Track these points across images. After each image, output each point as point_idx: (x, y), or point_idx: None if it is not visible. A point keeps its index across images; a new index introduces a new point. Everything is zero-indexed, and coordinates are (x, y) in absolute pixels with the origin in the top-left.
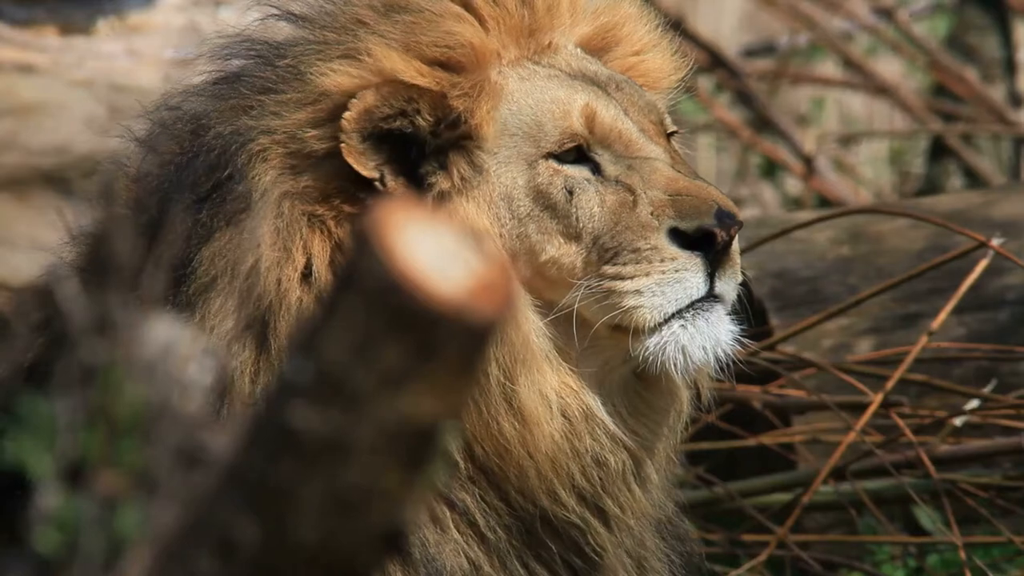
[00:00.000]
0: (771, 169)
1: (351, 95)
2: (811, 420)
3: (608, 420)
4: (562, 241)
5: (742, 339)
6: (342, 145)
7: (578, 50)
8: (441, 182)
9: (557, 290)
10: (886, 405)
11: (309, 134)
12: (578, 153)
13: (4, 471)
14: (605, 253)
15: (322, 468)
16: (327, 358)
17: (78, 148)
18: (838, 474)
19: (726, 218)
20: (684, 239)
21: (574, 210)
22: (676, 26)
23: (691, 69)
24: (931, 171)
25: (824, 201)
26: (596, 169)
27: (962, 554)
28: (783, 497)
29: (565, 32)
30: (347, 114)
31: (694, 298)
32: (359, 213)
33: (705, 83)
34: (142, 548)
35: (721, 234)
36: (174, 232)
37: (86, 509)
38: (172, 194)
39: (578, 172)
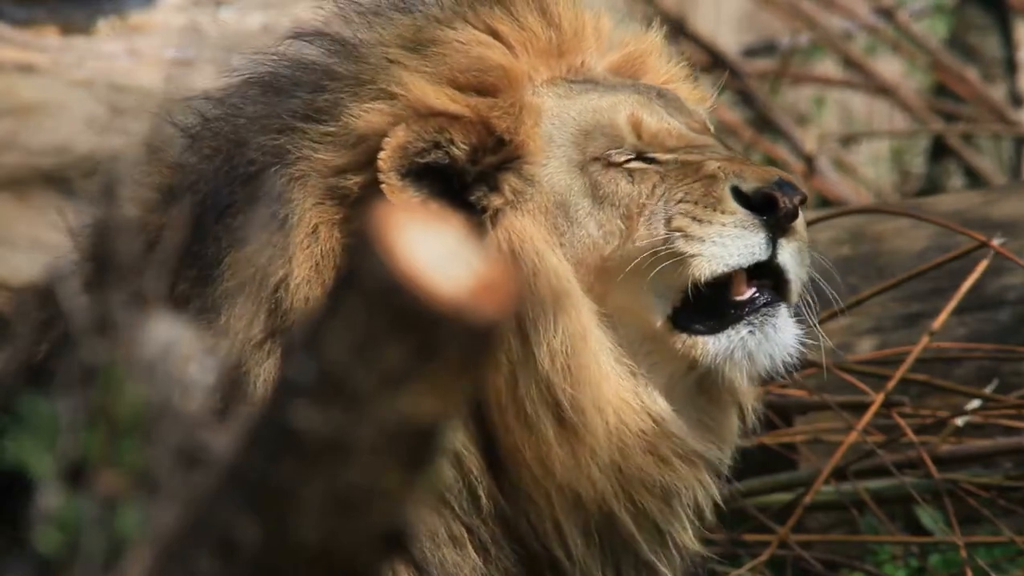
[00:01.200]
0: None
1: (385, 134)
2: (812, 420)
3: (683, 430)
4: (623, 226)
5: (805, 341)
6: (383, 186)
7: (605, 73)
8: (494, 201)
9: (624, 289)
10: (887, 405)
11: (350, 180)
12: (632, 157)
13: (5, 471)
14: (669, 207)
15: (323, 468)
16: (328, 358)
17: (78, 148)
18: (839, 474)
19: (788, 187)
20: (746, 200)
21: (635, 189)
22: (676, 26)
23: (713, 98)
24: (932, 171)
25: (825, 201)
26: (653, 161)
27: (963, 554)
28: (785, 497)
29: (593, 56)
30: (382, 154)
31: (756, 260)
32: None
33: (705, 83)
34: (143, 548)
35: (783, 200)
36: (204, 230)
37: (87, 509)
38: (209, 195)
39: (636, 164)
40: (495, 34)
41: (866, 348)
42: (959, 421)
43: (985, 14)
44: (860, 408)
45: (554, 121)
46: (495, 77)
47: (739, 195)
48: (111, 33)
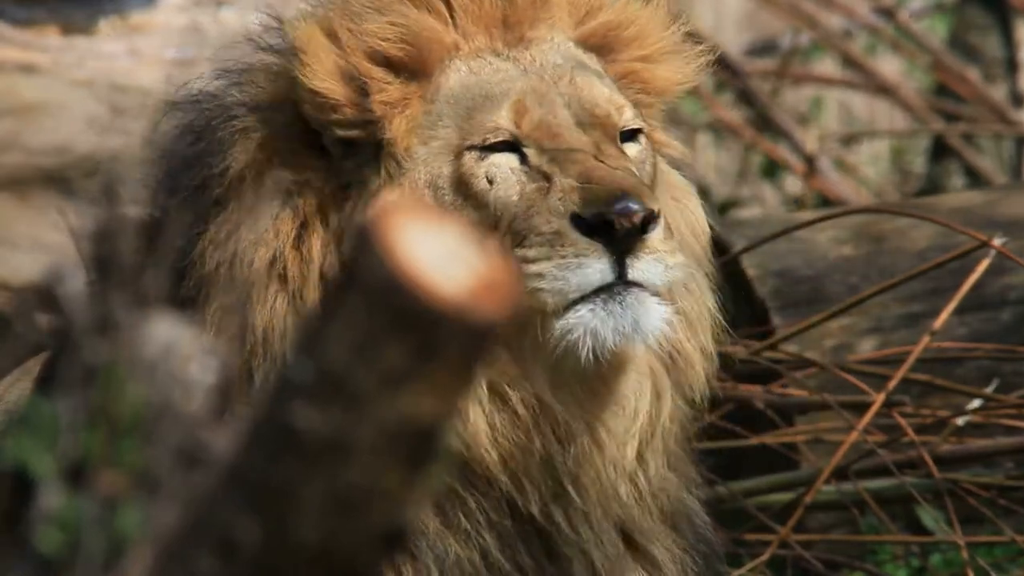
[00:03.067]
0: (772, 169)
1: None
2: (813, 420)
3: (559, 409)
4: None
5: (671, 320)
6: (304, 105)
7: (568, 44)
8: (373, 180)
9: None
10: (888, 405)
11: (278, 118)
12: (508, 145)
13: (5, 471)
14: (516, 237)
15: (323, 468)
16: (328, 358)
17: (79, 148)
18: (840, 474)
19: (629, 204)
20: (586, 226)
21: (492, 199)
22: (688, 31)
23: (704, 73)
24: (933, 171)
25: (826, 201)
26: (523, 160)
27: (964, 554)
28: (785, 497)
29: (558, 25)
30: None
31: (597, 285)
32: (324, 184)
33: (706, 82)
34: (143, 548)
35: (620, 221)
36: (172, 224)
37: (87, 509)
38: (168, 184)
39: (504, 160)
40: None
41: (867, 348)
42: (960, 421)
43: (986, 14)
44: (861, 408)
45: (449, 99)
46: (403, 51)
47: (578, 221)
48: (112, 33)
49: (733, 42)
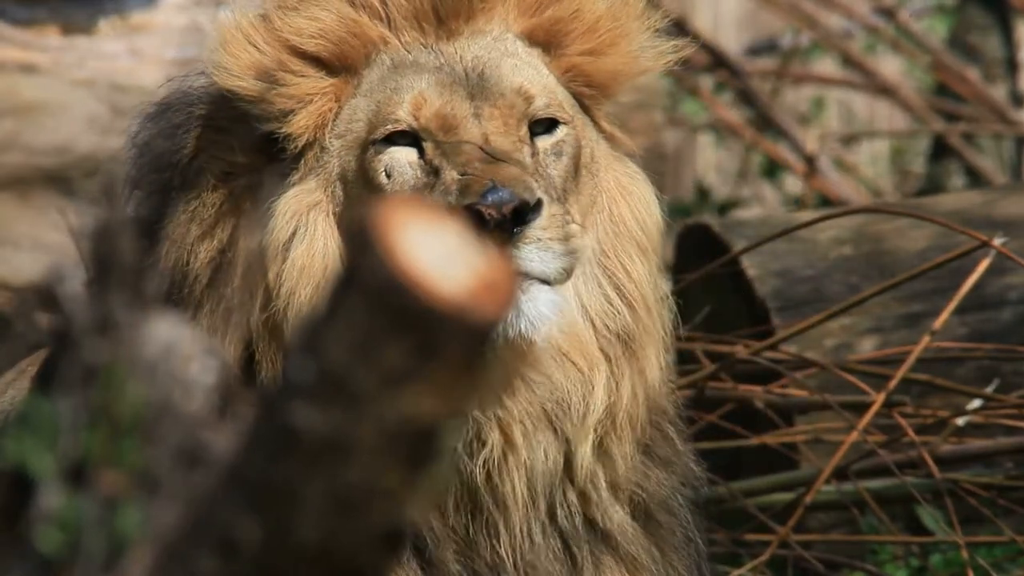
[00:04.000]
0: (773, 168)
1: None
2: (813, 420)
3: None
4: None
5: (561, 305)
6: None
7: (508, 37)
8: (293, 175)
9: None
10: (888, 405)
11: (220, 116)
12: (411, 139)
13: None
14: None
15: (323, 468)
16: (329, 358)
17: (80, 148)
18: (840, 474)
19: (501, 195)
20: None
21: (389, 192)
22: (676, 25)
23: (678, 65)
24: (933, 171)
25: (826, 201)
26: (421, 154)
27: (965, 554)
28: (785, 497)
29: (500, 19)
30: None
31: None
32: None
33: (706, 82)
34: (143, 548)
35: (489, 211)
36: (142, 223)
37: (88, 509)
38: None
39: (403, 155)
40: None
41: (867, 348)
42: (960, 421)
43: (986, 14)
44: (861, 408)
45: (365, 93)
46: (322, 48)
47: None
48: (112, 33)
49: (733, 42)
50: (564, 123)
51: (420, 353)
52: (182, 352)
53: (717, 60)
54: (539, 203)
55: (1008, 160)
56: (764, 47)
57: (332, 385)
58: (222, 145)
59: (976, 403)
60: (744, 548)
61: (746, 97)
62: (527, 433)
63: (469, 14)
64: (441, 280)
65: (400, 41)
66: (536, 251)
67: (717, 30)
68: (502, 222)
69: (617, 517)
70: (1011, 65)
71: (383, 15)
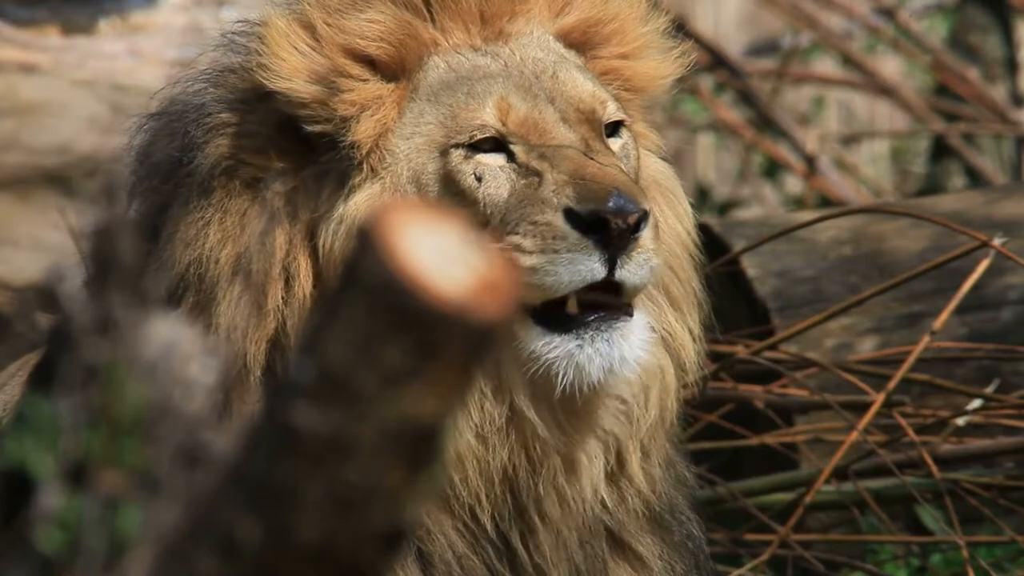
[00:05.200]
0: (773, 168)
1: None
2: (813, 420)
3: (539, 425)
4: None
5: (653, 343)
6: (279, 99)
7: (547, 38)
8: (355, 177)
9: None
10: (888, 405)
11: (252, 123)
12: (495, 143)
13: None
14: (507, 225)
15: (324, 468)
16: (329, 357)
17: (80, 148)
18: (840, 474)
19: (624, 204)
20: (579, 222)
21: (481, 196)
22: (677, 26)
23: (690, 67)
24: (933, 170)
25: (826, 201)
26: (511, 157)
27: (965, 554)
28: (785, 496)
29: (537, 20)
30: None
31: (588, 281)
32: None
33: (707, 82)
34: (144, 548)
35: (616, 221)
36: (146, 227)
37: (88, 509)
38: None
39: (492, 160)
40: None
41: (867, 348)
42: (960, 421)
43: (986, 13)
44: (861, 408)
45: (431, 97)
46: (381, 50)
47: (572, 216)
48: (112, 33)
49: (734, 42)
50: (627, 126)
51: (420, 353)
52: (182, 352)
53: (717, 60)
54: (650, 212)
55: (1008, 160)
56: (764, 47)
57: (333, 385)
58: (251, 150)
59: (976, 403)
60: (744, 548)
61: (746, 97)
62: (591, 456)
63: (511, 15)
64: (441, 280)
65: (449, 43)
66: (642, 263)
67: (718, 30)
68: (625, 231)
69: (630, 521)
70: (1011, 65)
71: (429, 17)
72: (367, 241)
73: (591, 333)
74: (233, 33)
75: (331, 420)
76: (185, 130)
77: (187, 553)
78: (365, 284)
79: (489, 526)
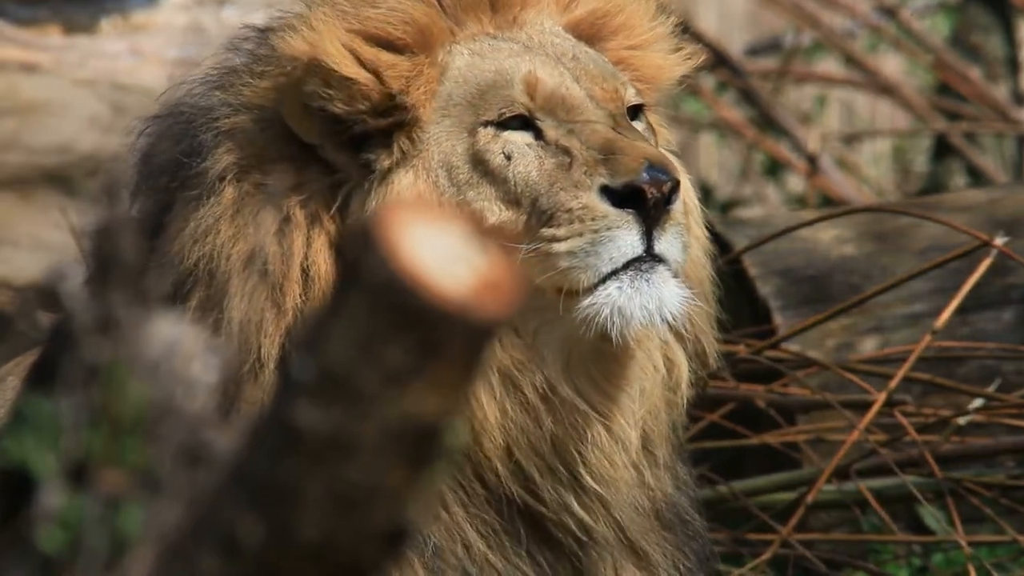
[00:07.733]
0: (775, 168)
1: (292, 72)
2: (815, 419)
3: (572, 394)
4: (502, 207)
5: (690, 301)
6: (283, 108)
7: (558, 29)
8: (383, 160)
9: None
10: (890, 404)
11: (268, 111)
12: (522, 121)
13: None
14: (542, 216)
15: (326, 467)
16: (331, 356)
17: (81, 147)
18: (842, 473)
19: (658, 174)
20: (615, 197)
21: (511, 175)
22: (679, 25)
23: (696, 67)
24: (935, 169)
25: (828, 200)
26: (539, 135)
27: (966, 553)
28: (787, 496)
29: (546, 12)
30: (285, 80)
31: (629, 257)
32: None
33: (708, 82)
34: (145, 547)
35: (651, 190)
36: (148, 225)
37: (89, 508)
38: (143, 182)
39: (519, 138)
40: None
41: (869, 347)
42: (962, 420)
43: (988, 13)
44: (863, 407)
45: (458, 79)
46: (406, 33)
47: (608, 192)
48: (114, 32)
49: (736, 41)
50: (645, 112)
51: (422, 352)
52: (184, 351)
53: (719, 59)
54: (679, 184)
55: (1010, 159)
56: (766, 46)
57: (334, 384)
58: (263, 155)
59: (978, 402)
60: (746, 547)
61: (748, 96)
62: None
63: (523, 5)
64: (443, 279)
65: (465, 33)
66: (677, 236)
67: (720, 29)
68: (660, 200)
69: (641, 519)
70: (1013, 64)
71: (442, 8)
72: (369, 240)
73: (629, 275)
74: (238, 39)
75: (333, 419)
76: (193, 133)
77: (188, 552)
78: (367, 283)
79: (547, 497)
